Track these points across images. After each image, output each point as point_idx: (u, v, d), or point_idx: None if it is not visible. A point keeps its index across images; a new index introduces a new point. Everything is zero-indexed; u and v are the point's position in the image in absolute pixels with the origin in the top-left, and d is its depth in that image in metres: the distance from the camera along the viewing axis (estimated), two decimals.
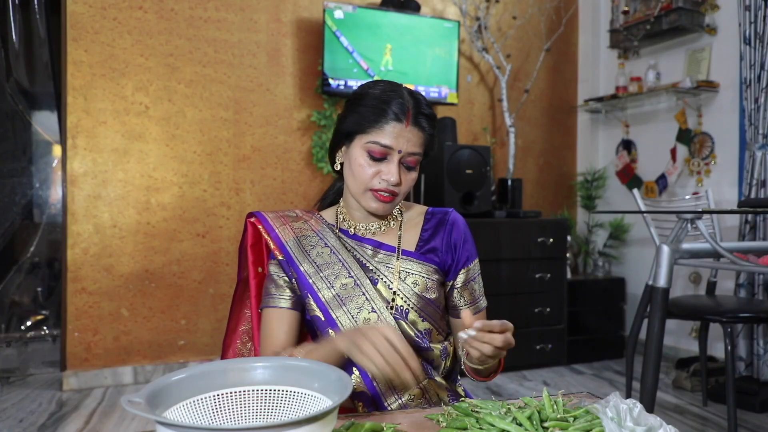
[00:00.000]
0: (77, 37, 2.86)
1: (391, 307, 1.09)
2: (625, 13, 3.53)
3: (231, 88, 3.14)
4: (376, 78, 2.57)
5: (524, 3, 3.83)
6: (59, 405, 2.65)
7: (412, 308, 1.09)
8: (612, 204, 3.91)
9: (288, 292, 1.12)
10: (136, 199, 2.97)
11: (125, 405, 0.64)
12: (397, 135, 1.05)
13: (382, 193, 1.08)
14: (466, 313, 0.92)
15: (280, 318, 1.12)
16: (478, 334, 0.90)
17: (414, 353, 0.90)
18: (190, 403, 0.75)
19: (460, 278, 1.15)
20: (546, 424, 0.82)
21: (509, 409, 0.87)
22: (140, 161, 2.98)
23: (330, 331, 1.08)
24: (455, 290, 1.16)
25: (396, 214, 1.19)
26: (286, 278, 1.13)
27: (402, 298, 1.09)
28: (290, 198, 3.27)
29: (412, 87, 1.43)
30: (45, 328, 3.64)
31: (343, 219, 1.18)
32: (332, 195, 1.26)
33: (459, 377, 1.21)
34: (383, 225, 1.16)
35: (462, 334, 0.91)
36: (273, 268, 1.15)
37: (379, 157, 1.07)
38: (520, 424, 0.82)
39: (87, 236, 2.89)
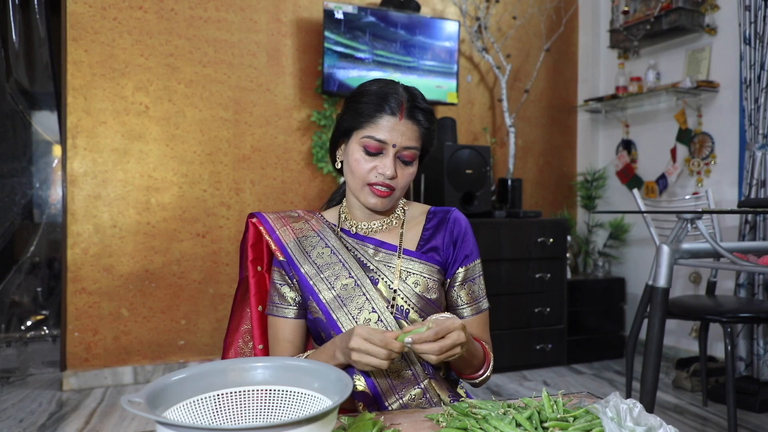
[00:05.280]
0: (77, 37, 2.86)
1: (392, 306, 1.09)
2: (625, 13, 3.53)
3: (231, 88, 3.14)
4: (375, 77, 2.56)
5: (524, 3, 3.83)
6: (59, 405, 2.65)
7: (412, 308, 1.09)
8: (612, 204, 3.91)
9: (292, 304, 1.13)
10: (136, 199, 2.97)
11: (125, 405, 0.64)
12: (391, 129, 1.06)
13: (379, 187, 1.08)
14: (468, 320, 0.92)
15: (285, 327, 1.13)
16: (414, 347, 0.91)
17: (389, 339, 0.91)
18: (191, 403, 0.75)
19: (459, 276, 1.15)
20: (546, 425, 0.82)
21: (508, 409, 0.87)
22: (140, 161, 2.98)
23: (332, 333, 1.08)
24: (453, 288, 1.15)
25: (399, 212, 1.19)
26: (288, 287, 1.13)
27: (402, 298, 1.09)
28: (290, 198, 3.27)
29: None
30: (45, 328, 3.64)
31: (345, 218, 1.18)
32: (339, 196, 1.26)
33: (461, 379, 1.21)
34: (385, 223, 1.16)
35: (408, 338, 0.91)
36: (276, 276, 1.15)
37: (374, 151, 1.07)
38: (520, 425, 0.82)
39: (87, 236, 2.89)
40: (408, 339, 0.90)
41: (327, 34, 3.13)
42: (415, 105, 1.08)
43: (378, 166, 1.07)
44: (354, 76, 3.21)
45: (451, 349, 0.92)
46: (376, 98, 1.07)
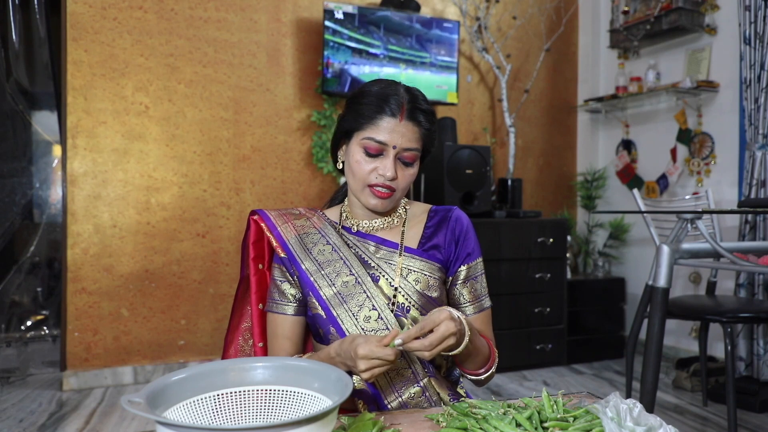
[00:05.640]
0: (77, 37, 2.86)
1: (393, 304, 1.09)
2: (625, 13, 3.53)
3: (231, 88, 3.14)
4: (375, 78, 2.61)
5: (524, 3, 3.83)
6: (59, 405, 2.65)
7: (413, 305, 1.09)
8: (612, 204, 3.91)
9: (292, 300, 1.13)
10: (136, 199, 2.97)
11: (125, 405, 0.64)
12: (391, 130, 1.06)
13: (380, 188, 1.08)
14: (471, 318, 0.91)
15: (284, 324, 1.13)
16: (405, 347, 0.91)
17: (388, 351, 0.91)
18: (191, 403, 0.75)
19: (461, 274, 1.15)
20: (546, 425, 0.82)
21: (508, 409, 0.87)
22: (140, 161, 2.98)
23: (331, 329, 1.09)
24: (455, 287, 1.15)
25: (401, 211, 1.19)
26: (289, 284, 1.13)
27: (403, 296, 1.09)
28: (290, 198, 3.27)
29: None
30: (45, 328, 3.64)
31: (347, 217, 1.18)
32: (341, 195, 1.27)
33: (461, 378, 1.21)
34: (387, 222, 1.16)
35: (397, 340, 0.91)
36: (276, 273, 1.15)
37: (374, 153, 1.07)
38: (520, 425, 0.82)
39: (87, 236, 2.89)
40: (398, 341, 0.90)
41: (327, 33, 3.13)
42: (415, 106, 1.08)
43: (378, 167, 1.08)
44: (354, 76, 3.21)
45: (442, 342, 0.91)
46: (377, 99, 1.07)
